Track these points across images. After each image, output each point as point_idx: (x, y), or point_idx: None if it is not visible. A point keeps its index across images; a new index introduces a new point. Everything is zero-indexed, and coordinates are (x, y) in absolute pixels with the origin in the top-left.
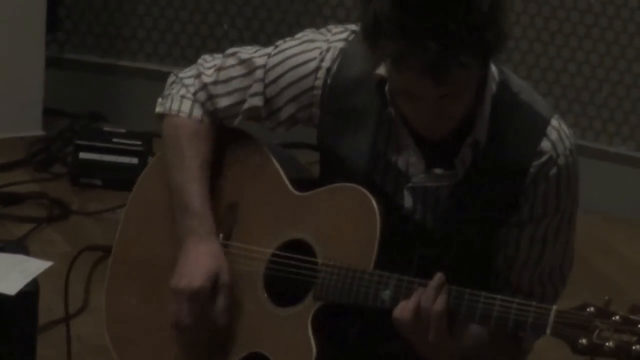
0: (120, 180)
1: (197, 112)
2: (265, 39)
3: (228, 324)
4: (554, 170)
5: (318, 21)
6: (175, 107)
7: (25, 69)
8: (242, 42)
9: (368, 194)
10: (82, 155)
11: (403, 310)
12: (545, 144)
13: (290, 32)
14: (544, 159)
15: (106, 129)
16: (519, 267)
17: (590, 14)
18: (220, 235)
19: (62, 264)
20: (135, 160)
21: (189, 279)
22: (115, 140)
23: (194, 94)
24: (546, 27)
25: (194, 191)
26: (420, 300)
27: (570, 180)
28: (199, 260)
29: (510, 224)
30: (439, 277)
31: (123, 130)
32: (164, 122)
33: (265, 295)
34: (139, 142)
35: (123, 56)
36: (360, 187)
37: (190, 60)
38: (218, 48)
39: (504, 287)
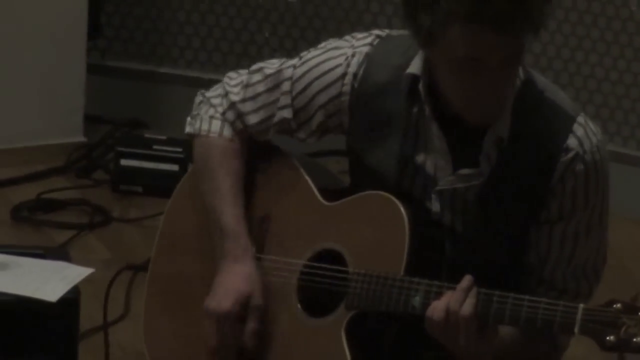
0: (161, 187)
1: (228, 132)
2: (306, 46)
3: (258, 345)
4: (580, 167)
5: (359, 29)
6: (205, 127)
7: (66, 76)
8: (283, 49)
9: (396, 200)
10: (123, 162)
11: (434, 310)
12: (571, 141)
13: None
14: (570, 155)
15: (147, 135)
16: (552, 264)
17: (618, 19)
18: (253, 248)
19: (103, 271)
20: (175, 167)
21: (219, 301)
22: (155, 147)
23: (223, 113)
24: (574, 32)
25: (228, 212)
26: (449, 303)
27: (599, 176)
28: (232, 282)
29: (540, 223)
30: (467, 279)
31: (164, 137)
32: (194, 142)
33: (299, 306)
34: (179, 149)
35: (164, 63)
36: (387, 194)
37: (231, 67)
38: (259, 55)
39: (538, 285)
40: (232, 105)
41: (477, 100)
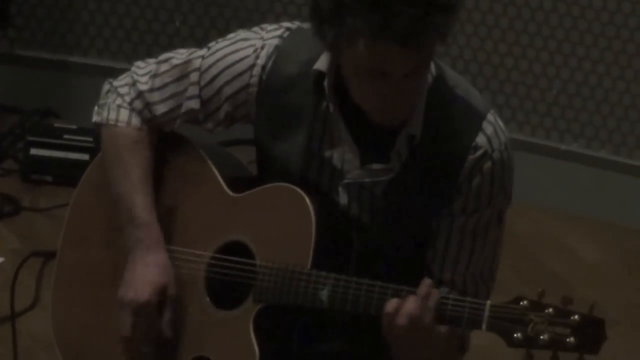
0: (71, 176)
1: (136, 121)
2: (217, 36)
3: (174, 335)
4: (488, 164)
5: (270, 18)
6: (112, 116)
7: None
8: (193, 39)
9: (302, 193)
10: (33, 151)
11: (397, 315)
12: (480, 139)
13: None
14: (479, 153)
15: (57, 125)
16: (452, 262)
17: (542, 11)
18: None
19: (13, 260)
20: (86, 157)
21: (136, 292)
22: (66, 136)
23: (130, 102)
24: (497, 24)
25: (139, 202)
26: (412, 309)
27: (505, 175)
28: (146, 273)
29: (442, 217)
30: (426, 284)
31: (74, 127)
32: (102, 131)
33: (208, 299)
34: (89, 139)
35: (74, 52)
36: (294, 187)
37: (142, 57)
38: (170, 45)
39: (437, 285)
40: (140, 94)
41: (383, 106)
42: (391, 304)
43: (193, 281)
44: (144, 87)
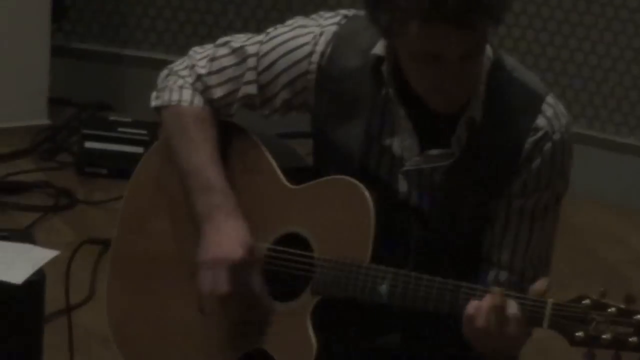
0: (126, 169)
1: (198, 101)
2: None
3: (260, 300)
4: (548, 146)
5: (324, 9)
6: (175, 97)
7: (30, 58)
8: (247, 31)
9: (360, 185)
10: (88, 144)
11: (478, 314)
12: (540, 121)
13: None
14: (539, 134)
15: (112, 118)
16: (510, 245)
17: (596, 4)
18: None
19: (68, 253)
20: (140, 150)
21: (229, 249)
22: (120, 129)
23: (192, 84)
24: (552, 16)
25: (214, 170)
26: (493, 307)
27: (564, 157)
28: (233, 234)
29: (500, 199)
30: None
31: (128, 120)
32: (164, 114)
33: (265, 290)
34: (144, 132)
35: (128, 45)
36: (352, 180)
37: None
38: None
39: (494, 269)
40: (199, 77)
41: (440, 91)
42: (471, 306)
43: (250, 271)
44: (202, 71)
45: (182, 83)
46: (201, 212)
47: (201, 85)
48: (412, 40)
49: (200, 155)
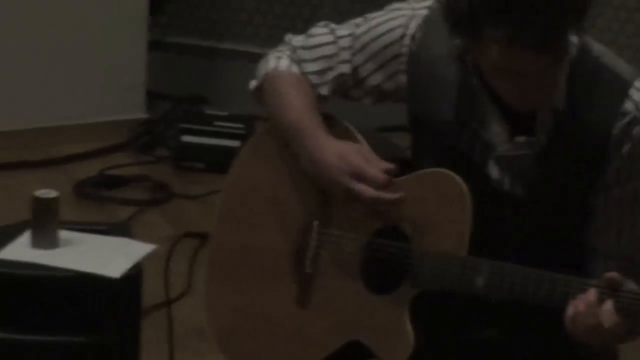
0: (223, 163)
1: (295, 69)
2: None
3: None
4: (637, 130)
5: None
6: (272, 65)
7: (128, 53)
8: None
9: (458, 178)
10: (185, 138)
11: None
12: (628, 105)
13: None
14: (627, 119)
15: (208, 112)
16: (614, 235)
17: None
18: (316, 222)
19: (165, 247)
20: (237, 143)
21: (346, 164)
22: (217, 123)
23: (289, 55)
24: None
25: (314, 117)
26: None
27: None
28: (344, 151)
29: (597, 190)
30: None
31: (225, 114)
32: (264, 85)
33: (362, 282)
34: (240, 125)
35: (225, 39)
36: (449, 172)
37: None
38: None
39: (601, 257)
40: (294, 50)
41: (518, 96)
42: (577, 302)
43: (347, 265)
44: (297, 44)
45: (278, 54)
46: (309, 153)
47: (296, 57)
48: (491, 57)
49: (299, 108)
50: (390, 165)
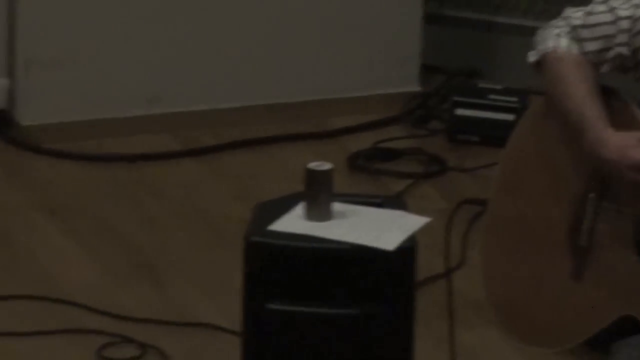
0: (497, 136)
1: (574, 49)
2: None
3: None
4: None
5: None
6: (550, 44)
7: (403, 26)
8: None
9: None
10: (459, 111)
11: None
12: None
13: None
14: None
15: (482, 85)
16: None
17: None
18: (592, 195)
19: (438, 220)
20: (511, 117)
21: (630, 153)
22: (491, 96)
23: (568, 32)
24: None
25: (594, 107)
26: None
27: None
28: (625, 139)
29: None
30: None
31: (499, 87)
32: (543, 64)
33: (637, 257)
34: (514, 99)
35: (500, 12)
36: None
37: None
38: None
39: None
40: (573, 28)
41: None
42: None
43: (622, 238)
44: (576, 22)
45: (557, 32)
46: (589, 146)
47: (576, 35)
48: None
49: (578, 96)
50: None
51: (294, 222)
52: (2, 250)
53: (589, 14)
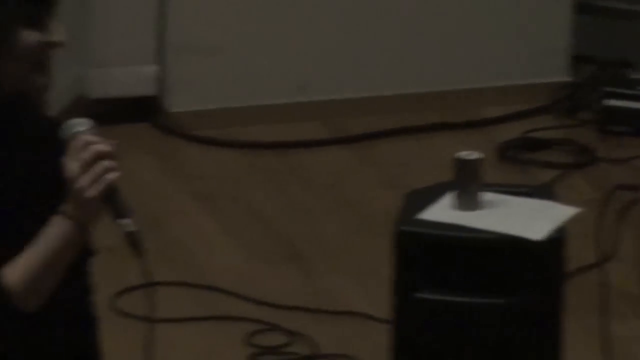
0: None
1: None
2: None
3: None
4: None
5: None
6: None
7: (553, 15)
8: None
9: None
10: (609, 102)
11: None
12: None
13: None
14: None
15: (632, 76)
16: None
17: None
18: None
19: (588, 210)
20: None
21: None
22: None
23: None
24: None
25: None
26: None
27: None
28: None
29: None
30: None
31: None
32: None
33: None
34: None
35: None
36: None
37: None
38: None
39: None
40: None
41: None
42: None
43: None
44: None
45: None
46: None
47: None
48: None
49: None
50: None
51: (443, 211)
52: (153, 236)
53: None
